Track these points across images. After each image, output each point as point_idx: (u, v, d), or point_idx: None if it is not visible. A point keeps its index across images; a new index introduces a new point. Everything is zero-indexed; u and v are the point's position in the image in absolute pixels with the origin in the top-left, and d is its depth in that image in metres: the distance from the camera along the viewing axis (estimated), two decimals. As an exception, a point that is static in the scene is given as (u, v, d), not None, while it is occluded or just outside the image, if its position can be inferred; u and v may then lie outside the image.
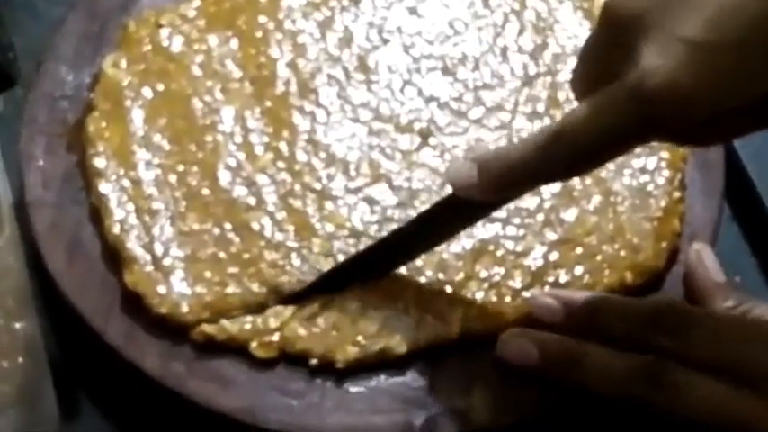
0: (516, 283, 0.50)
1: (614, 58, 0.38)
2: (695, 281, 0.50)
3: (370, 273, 0.50)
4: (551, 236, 0.51)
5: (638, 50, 0.37)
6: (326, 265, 0.50)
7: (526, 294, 0.49)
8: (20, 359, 0.49)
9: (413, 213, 0.51)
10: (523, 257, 0.50)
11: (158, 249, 0.50)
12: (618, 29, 0.39)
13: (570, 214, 0.52)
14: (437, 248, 0.50)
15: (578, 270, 0.50)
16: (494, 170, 0.43)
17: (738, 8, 0.36)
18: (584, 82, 0.41)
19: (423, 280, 0.50)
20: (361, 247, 0.50)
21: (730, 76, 0.37)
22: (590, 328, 0.46)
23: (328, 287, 0.49)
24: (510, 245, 0.51)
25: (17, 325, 0.50)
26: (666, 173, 0.53)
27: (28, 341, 0.50)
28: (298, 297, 0.49)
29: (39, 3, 0.62)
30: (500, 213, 0.51)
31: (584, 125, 0.39)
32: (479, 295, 0.49)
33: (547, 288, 0.49)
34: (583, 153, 0.40)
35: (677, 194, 0.52)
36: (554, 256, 0.51)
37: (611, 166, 0.53)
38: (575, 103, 0.54)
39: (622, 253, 0.51)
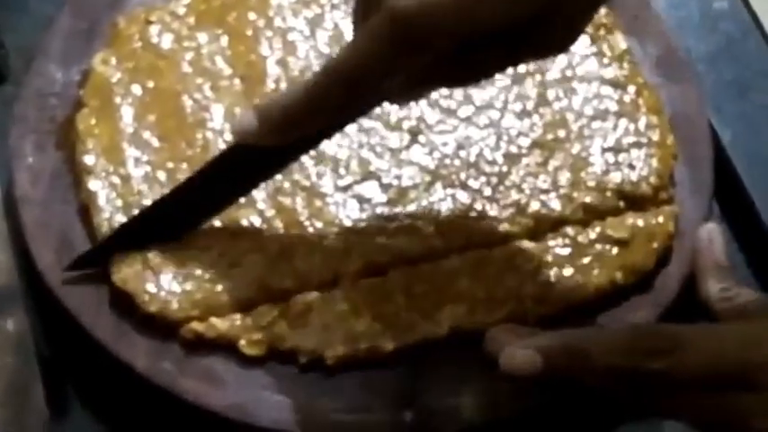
0: (506, 281, 0.50)
1: None
2: (700, 258, 0.51)
3: (165, 231, 0.50)
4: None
5: None
6: (316, 264, 0.50)
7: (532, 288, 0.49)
8: (8, 358, 0.49)
9: (402, 211, 0.51)
10: (514, 257, 0.50)
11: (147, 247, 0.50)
12: None
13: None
14: (426, 246, 0.50)
15: (568, 270, 0.50)
16: (274, 114, 0.45)
17: None
18: (357, 22, 0.44)
19: (412, 278, 0.50)
20: (355, 244, 0.50)
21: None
22: (575, 371, 0.44)
23: (121, 245, 0.50)
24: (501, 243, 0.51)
25: (5, 323, 0.50)
26: (656, 170, 0.53)
27: (16, 339, 0.49)
28: (91, 256, 0.50)
29: (30, 0, 0.62)
30: (493, 211, 0.51)
31: (349, 55, 0.42)
32: (469, 293, 0.49)
33: (512, 334, 0.47)
34: (352, 82, 0.42)
35: (667, 193, 0.53)
36: (544, 255, 0.51)
37: (600, 163, 0.53)
38: (565, 102, 0.55)
39: (613, 253, 0.51)
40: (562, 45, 0.45)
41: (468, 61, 0.44)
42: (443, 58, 0.42)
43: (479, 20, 0.41)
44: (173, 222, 0.50)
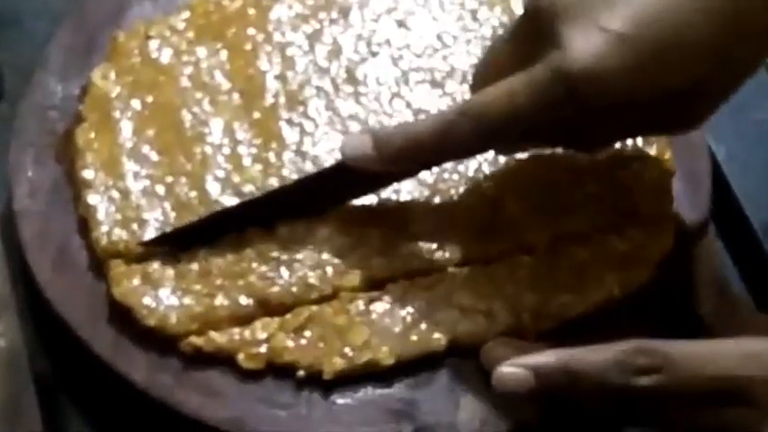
0: (505, 295, 0.50)
1: (533, 45, 0.42)
2: (696, 273, 0.51)
3: (246, 224, 0.51)
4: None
5: (560, 37, 0.41)
6: (314, 278, 0.50)
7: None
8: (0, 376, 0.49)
9: (401, 225, 0.51)
10: (512, 271, 0.51)
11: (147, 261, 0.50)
12: (540, 19, 0.42)
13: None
14: (424, 260, 0.51)
15: (566, 284, 0.50)
16: (396, 143, 0.45)
17: (662, 11, 0.41)
18: (495, 70, 0.44)
19: (410, 291, 0.50)
20: (354, 258, 0.50)
21: (648, 66, 0.41)
22: (567, 389, 0.44)
23: (203, 235, 0.50)
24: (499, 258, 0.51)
25: (-3, 338, 0.50)
26: (654, 185, 0.53)
27: (7, 357, 0.49)
28: (175, 237, 0.50)
29: (25, 19, 0.62)
30: (492, 226, 0.51)
31: (498, 103, 0.42)
32: (468, 307, 0.49)
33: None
34: (493, 130, 0.43)
35: (665, 208, 0.53)
36: (542, 269, 0.51)
37: (599, 178, 0.53)
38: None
39: (611, 267, 0.51)
40: (694, 122, 0.45)
41: (601, 126, 0.44)
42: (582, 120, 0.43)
43: (645, 88, 0.41)
44: (249, 223, 0.51)
